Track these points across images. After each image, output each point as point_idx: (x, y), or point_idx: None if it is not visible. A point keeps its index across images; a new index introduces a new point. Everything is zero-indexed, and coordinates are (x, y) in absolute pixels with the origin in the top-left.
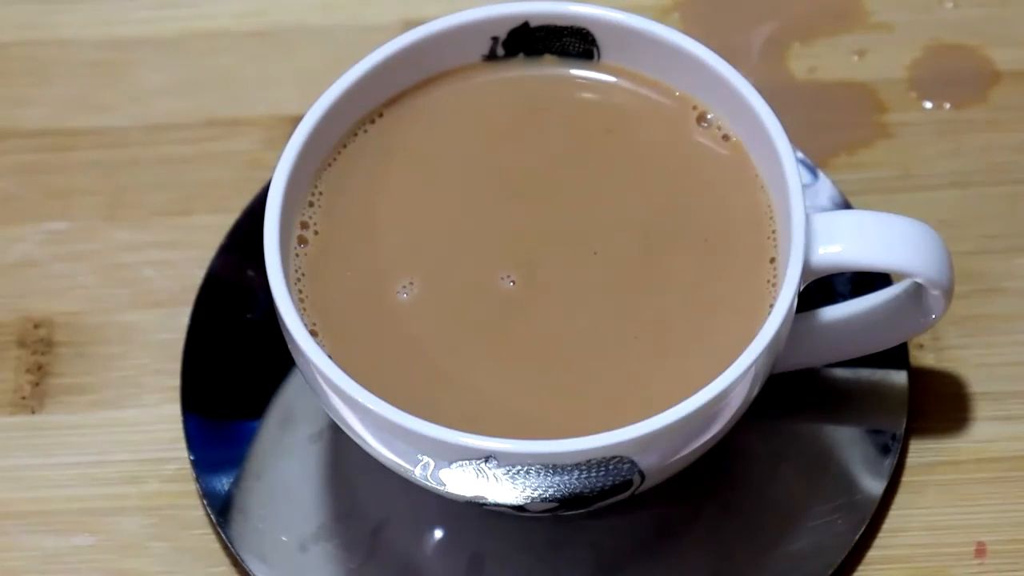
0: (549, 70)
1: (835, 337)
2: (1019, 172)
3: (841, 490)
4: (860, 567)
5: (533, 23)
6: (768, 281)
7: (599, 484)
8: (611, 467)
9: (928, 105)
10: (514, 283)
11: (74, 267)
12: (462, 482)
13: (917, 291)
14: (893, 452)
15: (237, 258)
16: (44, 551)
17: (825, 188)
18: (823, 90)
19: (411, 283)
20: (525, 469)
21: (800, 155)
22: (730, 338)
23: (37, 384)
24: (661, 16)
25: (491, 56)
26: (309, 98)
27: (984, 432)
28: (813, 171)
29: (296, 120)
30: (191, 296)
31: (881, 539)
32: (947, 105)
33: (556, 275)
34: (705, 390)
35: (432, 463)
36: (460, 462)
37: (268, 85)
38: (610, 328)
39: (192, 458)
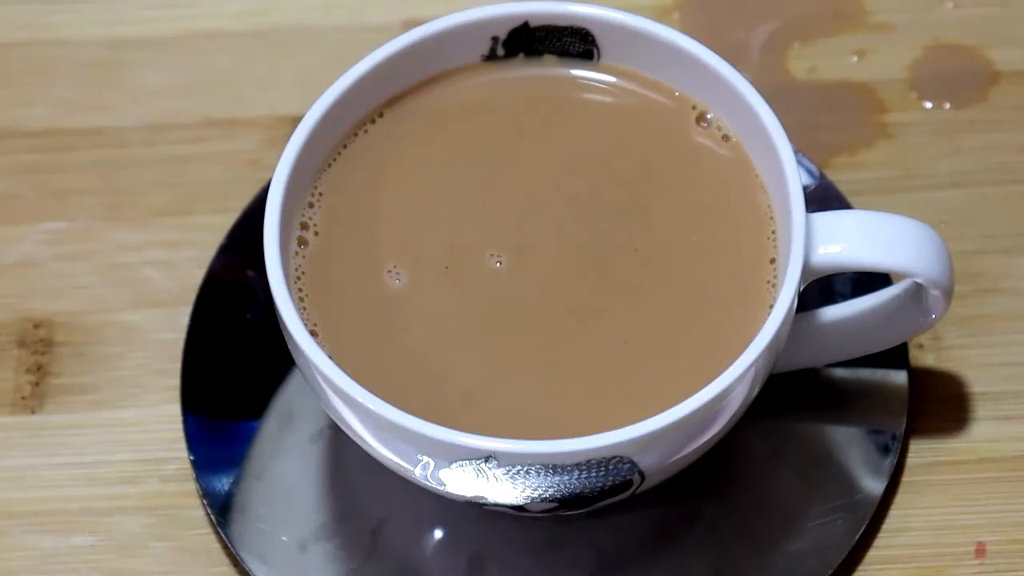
0: (549, 70)
1: (835, 337)
2: (1019, 172)
3: (841, 490)
4: (860, 567)
5: (533, 23)
6: (768, 281)
7: (599, 484)
8: (611, 467)
9: (928, 105)
10: (514, 284)
11: (74, 267)
12: (462, 482)
13: (917, 291)
14: (893, 452)
15: (237, 258)
16: (44, 551)
17: (825, 188)
18: (823, 90)
19: (411, 283)
20: (525, 469)
21: (800, 155)
22: (730, 338)
23: (37, 384)
24: (661, 16)
25: (491, 56)
26: (309, 98)
27: (984, 432)
28: (813, 171)
29: (296, 120)
30: (191, 296)
31: (881, 539)
32: (947, 105)
33: (556, 276)
34: (705, 390)
35: (432, 463)
36: (460, 462)
37: (268, 85)
38: (610, 328)
39: (192, 458)
